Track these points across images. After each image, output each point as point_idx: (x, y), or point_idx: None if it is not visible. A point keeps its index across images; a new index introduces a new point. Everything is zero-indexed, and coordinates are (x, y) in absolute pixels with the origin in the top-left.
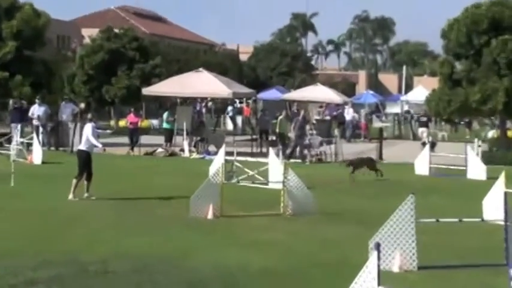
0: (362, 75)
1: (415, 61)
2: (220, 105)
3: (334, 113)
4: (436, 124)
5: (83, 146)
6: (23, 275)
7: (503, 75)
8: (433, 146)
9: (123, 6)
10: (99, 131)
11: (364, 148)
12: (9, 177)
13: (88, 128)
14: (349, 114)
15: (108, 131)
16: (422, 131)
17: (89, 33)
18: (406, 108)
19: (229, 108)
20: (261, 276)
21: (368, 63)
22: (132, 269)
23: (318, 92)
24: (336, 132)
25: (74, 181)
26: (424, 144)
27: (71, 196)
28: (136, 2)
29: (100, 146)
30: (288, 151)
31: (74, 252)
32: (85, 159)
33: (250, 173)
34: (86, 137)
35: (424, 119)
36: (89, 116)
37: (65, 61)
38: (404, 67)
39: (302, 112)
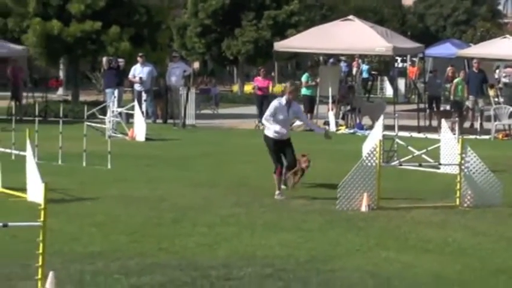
0: None
1: None
2: (376, 65)
3: None
4: None
5: (266, 130)
6: (126, 282)
7: None
8: None
9: None
10: None
11: None
12: (105, 157)
13: (271, 105)
14: None
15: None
16: None
17: None
18: None
19: (365, 67)
20: (429, 286)
21: None
22: (261, 274)
23: (507, 47)
24: None
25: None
26: None
27: (277, 193)
28: None
29: (277, 128)
30: None
31: (189, 253)
32: (270, 147)
33: (416, 153)
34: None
35: None
36: (288, 85)
37: (174, 8)
38: None
39: None
